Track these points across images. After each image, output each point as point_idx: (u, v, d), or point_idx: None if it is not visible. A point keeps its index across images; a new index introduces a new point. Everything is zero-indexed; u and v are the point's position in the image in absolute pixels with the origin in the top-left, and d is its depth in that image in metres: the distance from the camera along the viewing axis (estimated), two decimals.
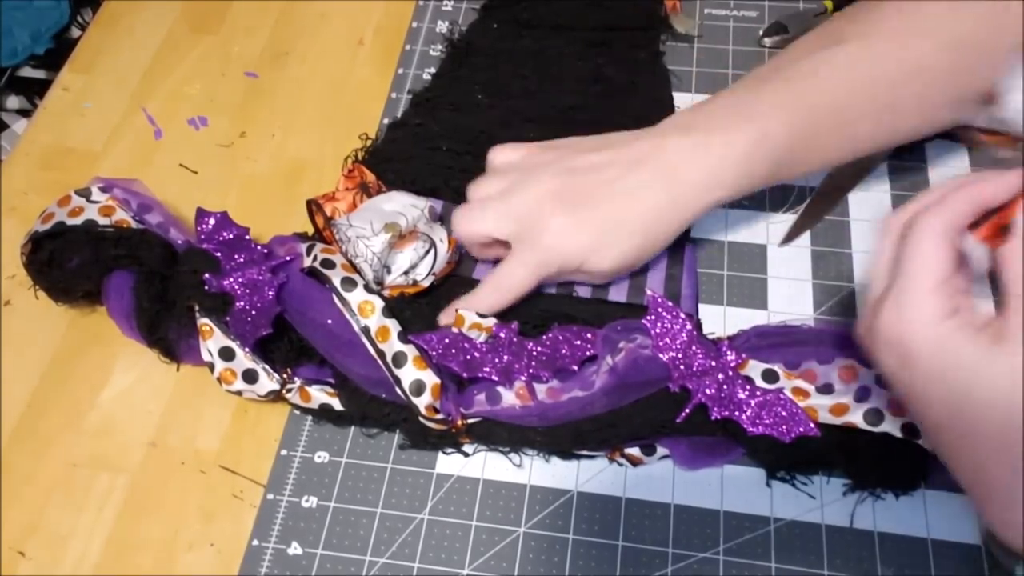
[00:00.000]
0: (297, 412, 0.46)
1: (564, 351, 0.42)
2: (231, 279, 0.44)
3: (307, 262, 0.44)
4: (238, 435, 0.45)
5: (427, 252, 0.45)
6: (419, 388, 0.41)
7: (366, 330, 0.42)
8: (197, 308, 0.44)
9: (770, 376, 0.40)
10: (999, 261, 0.30)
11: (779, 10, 0.61)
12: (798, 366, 0.40)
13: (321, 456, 0.44)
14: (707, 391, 0.39)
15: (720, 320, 0.47)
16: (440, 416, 0.41)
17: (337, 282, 0.43)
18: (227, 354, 0.43)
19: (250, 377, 0.43)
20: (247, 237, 0.47)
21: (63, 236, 0.47)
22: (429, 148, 0.54)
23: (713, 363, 0.40)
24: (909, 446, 0.38)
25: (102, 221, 0.46)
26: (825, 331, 0.42)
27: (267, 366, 0.43)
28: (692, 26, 0.59)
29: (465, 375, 0.41)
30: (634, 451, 0.42)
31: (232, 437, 0.45)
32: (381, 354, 0.41)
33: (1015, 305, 0.28)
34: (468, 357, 0.42)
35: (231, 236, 0.46)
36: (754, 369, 0.40)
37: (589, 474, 0.43)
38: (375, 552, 0.41)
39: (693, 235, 0.50)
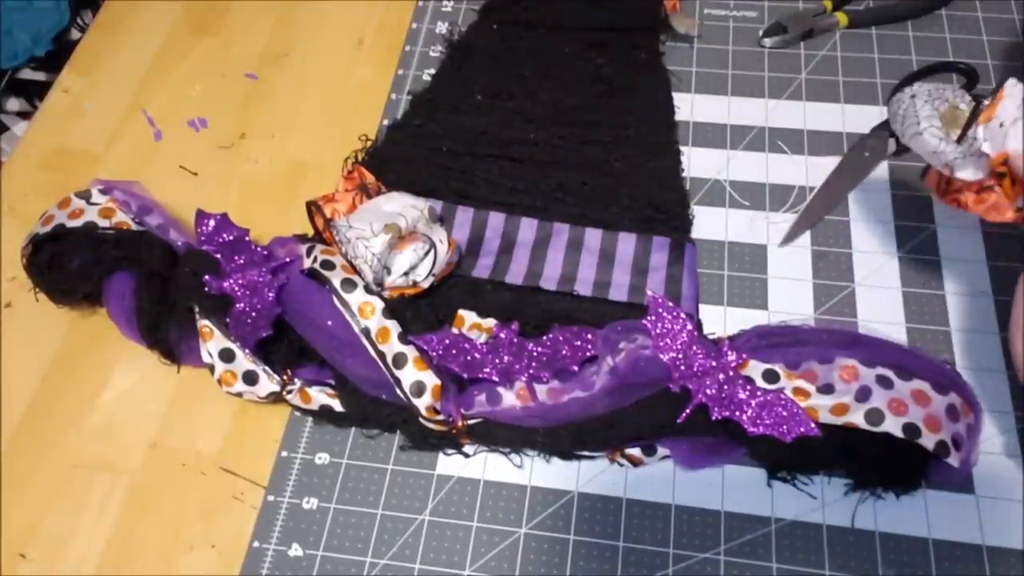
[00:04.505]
0: (297, 414, 0.46)
1: (564, 352, 0.42)
2: (231, 281, 0.44)
3: (307, 263, 0.44)
4: (239, 437, 0.45)
5: (427, 253, 0.45)
6: (419, 389, 0.41)
7: (366, 331, 0.42)
8: (197, 310, 0.44)
9: (771, 376, 0.40)
10: None
11: (779, 10, 0.61)
12: (799, 366, 0.40)
13: (322, 457, 0.44)
14: (708, 391, 0.39)
15: (720, 320, 0.47)
16: (441, 417, 0.41)
17: (337, 283, 0.43)
18: (227, 356, 0.43)
19: (250, 379, 0.43)
20: (247, 239, 0.47)
21: (63, 238, 0.47)
22: (429, 149, 0.54)
23: (714, 363, 0.40)
24: (910, 446, 0.38)
25: (102, 223, 0.46)
26: (825, 331, 0.42)
27: (267, 368, 0.43)
28: (692, 26, 0.59)
29: (466, 376, 0.41)
30: (635, 452, 0.42)
31: (233, 439, 0.45)
32: (381, 355, 0.41)
33: None
34: (468, 358, 0.42)
35: (231, 238, 0.46)
36: (755, 369, 0.40)
37: (590, 475, 0.43)
38: (376, 553, 0.41)
39: (693, 235, 0.50)
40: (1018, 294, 0.39)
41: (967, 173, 0.39)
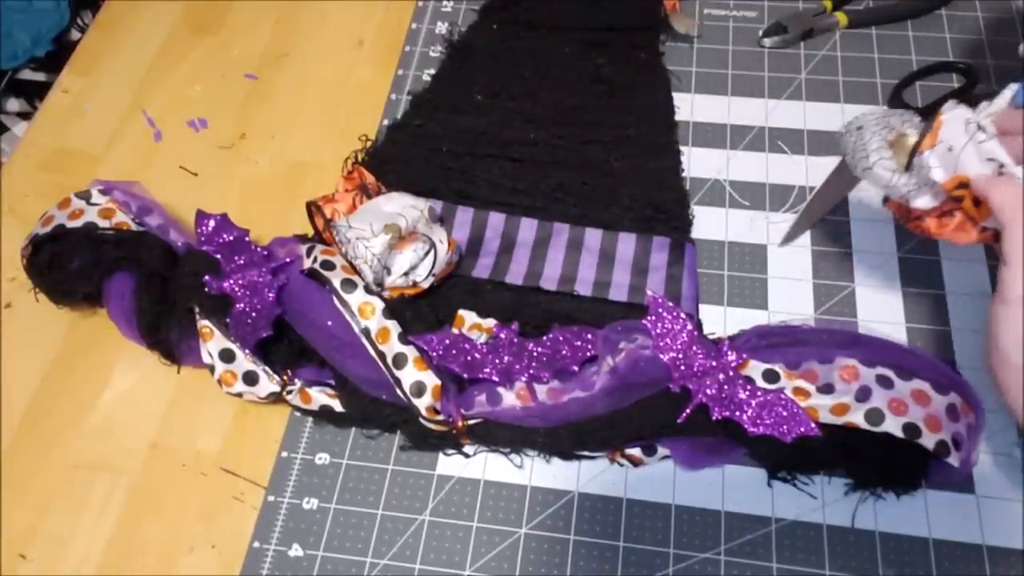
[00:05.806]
0: (298, 414, 0.46)
1: (565, 352, 0.42)
2: (231, 281, 0.44)
3: (307, 264, 0.44)
4: (239, 437, 0.45)
5: (427, 253, 0.45)
6: (420, 389, 0.41)
7: (366, 332, 0.42)
8: (197, 310, 0.44)
9: (771, 376, 0.40)
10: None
11: (779, 10, 0.61)
12: (799, 366, 0.40)
13: (322, 458, 0.44)
14: (708, 391, 0.39)
15: (720, 320, 0.47)
16: (441, 417, 0.41)
17: (337, 284, 0.43)
18: (227, 356, 0.43)
19: (250, 379, 0.43)
20: (247, 239, 0.47)
21: (63, 239, 0.47)
22: (429, 149, 0.54)
23: (714, 363, 0.40)
24: (910, 446, 0.38)
25: (102, 223, 0.46)
26: (825, 331, 0.42)
27: (267, 368, 0.43)
28: (692, 26, 0.59)
29: (466, 376, 0.41)
30: (635, 452, 0.42)
31: (233, 439, 0.45)
32: (381, 355, 0.41)
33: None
34: (469, 358, 0.42)
35: (231, 238, 0.46)
36: (755, 369, 0.40)
37: (590, 475, 0.43)
38: (376, 554, 0.41)
39: (693, 235, 0.50)
40: (996, 317, 0.36)
41: (924, 201, 0.39)
